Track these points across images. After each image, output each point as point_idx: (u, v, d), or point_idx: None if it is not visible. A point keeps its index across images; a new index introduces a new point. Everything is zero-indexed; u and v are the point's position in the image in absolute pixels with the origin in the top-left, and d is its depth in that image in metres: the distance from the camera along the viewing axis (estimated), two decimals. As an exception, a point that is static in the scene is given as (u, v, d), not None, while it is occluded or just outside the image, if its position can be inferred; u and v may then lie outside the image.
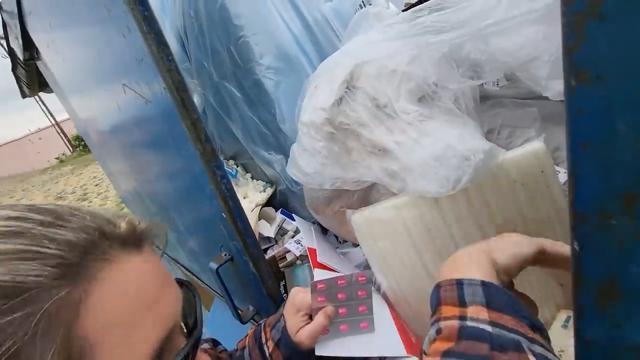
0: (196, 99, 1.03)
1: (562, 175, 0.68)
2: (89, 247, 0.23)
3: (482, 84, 0.75)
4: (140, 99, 0.57)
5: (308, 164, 0.59)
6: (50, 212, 0.24)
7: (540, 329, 0.30)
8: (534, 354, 0.26)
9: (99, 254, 0.23)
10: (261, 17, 0.86)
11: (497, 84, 0.77)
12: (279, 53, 0.86)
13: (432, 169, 0.51)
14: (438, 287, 0.34)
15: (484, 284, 0.31)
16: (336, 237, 0.90)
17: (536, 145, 0.57)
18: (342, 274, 0.56)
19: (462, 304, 0.30)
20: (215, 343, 0.59)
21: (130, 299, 0.23)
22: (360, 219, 0.61)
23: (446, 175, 0.50)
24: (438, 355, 0.28)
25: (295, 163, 0.62)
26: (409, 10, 0.65)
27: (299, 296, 0.56)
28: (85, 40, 0.74)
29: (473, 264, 0.34)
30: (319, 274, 0.67)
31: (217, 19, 0.85)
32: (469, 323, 0.29)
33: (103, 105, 0.88)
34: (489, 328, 0.28)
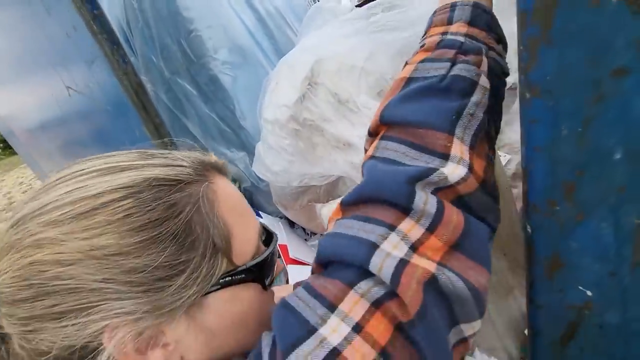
0: (146, 97, 0.97)
1: (503, 159, 0.77)
2: (201, 165, 0.31)
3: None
4: (91, 102, 0.53)
5: (274, 162, 0.60)
6: (160, 150, 0.33)
7: (504, 43, 0.36)
8: (487, 57, 0.32)
9: (205, 168, 0.31)
10: (212, 9, 0.83)
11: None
12: (233, 47, 0.84)
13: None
14: (434, 13, 0.38)
15: (475, 5, 0.34)
16: (304, 229, 0.92)
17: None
18: None
19: (449, 23, 0.35)
20: None
21: (236, 198, 0.32)
22: (329, 213, 0.64)
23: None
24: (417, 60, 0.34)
25: (262, 162, 0.62)
26: (363, 7, 0.67)
27: (278, 297, 0.57)
28: (11, 32, 0.66)
29: None
30: (293, 270, 0.69)
31: (165, 12, 0.81)
32: (448, 37, 0.34)
33: (38, 104, 0.80)
34: (461, 39, 0.33)
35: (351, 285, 0.25)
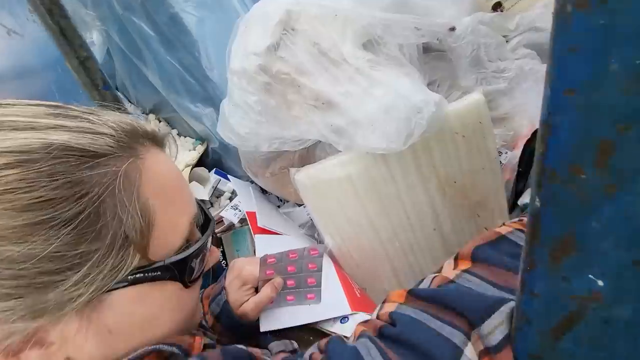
0: (95, 37, 0.83)
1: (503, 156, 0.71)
2: (131, 133, 0.27)
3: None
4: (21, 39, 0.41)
5: (240, 122, 0.51)
6: (82, 108, 0.27)
7: None
8: None
9: (138, 139, 0.27)
10: None
11: (438, 38, 0.75)
12: (198, -20, 0.70)
13: (383, 122, 0.47)
14: None
15: None
16: (277, 196, 0.85)
17: (476, 96, 0.56)
18: (294, 249, 0.53)
19: None
20: None
21: (170, 179, 0.28)
22: (304, 178, 0.57)
23: (397, 129, 0.46)
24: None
25: (227, 122, 0.53)
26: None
27: (246, 269, 0.52)
28: None
29: None
30: (261, 240, 0.63)
31: None
32: None
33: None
34: None
35: None
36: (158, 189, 0.27)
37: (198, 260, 0.30)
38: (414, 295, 0.32)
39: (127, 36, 0.78)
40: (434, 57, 0.72)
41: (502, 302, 0.29)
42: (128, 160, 0.25)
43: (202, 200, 0.83)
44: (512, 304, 0.29)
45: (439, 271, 0.39)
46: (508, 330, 0.28)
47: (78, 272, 0.22)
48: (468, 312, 0.29)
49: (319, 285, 0.53)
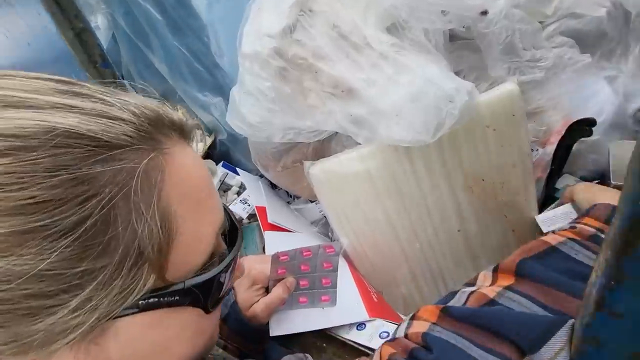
0: (100, 21, 0.79)
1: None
2: (155, 122, 0.22)
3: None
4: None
5: (252, 111, 0.47)
6: (97, 86, 0.22)
7: None
8: None
9: (163, 129, 0.22)
10: None
11: (463, 26, 0.70)
12: (209, -40, 0.66)
13: (409, 112, 0.43)
14: (594, 205, 0.37)
15: None
16: (287, 192, 0.81)
17: (509, 86, 0.52)
18: (308, 246, 0.49)
19: (607, 222, 0.34)
20: None
21: (195, 179, 0.24)
22: (319, 173, 0.53)
23: (426, 119, 0.42)
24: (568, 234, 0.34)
25: (237, 111, 0.49)
26: None
27: (256, 267, 0.48)
28: None
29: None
30: (271, 238, 0.59)
31: None
32: (602, 235, 0.33)
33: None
34: None
35: None
36: (183, 193, 0.22)
37: (224, 279, 0.25)
38: (449, 314, 0.28)
39: (134, 20, 0.74)
40: (459, 46, 0.67)
41: (560, 323, 0.25)
42: (150, 155, 0.21)
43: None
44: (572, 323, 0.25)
45: (472, 282, 0.35)
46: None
47: (78, 295, 0.18)
48: (518, 338, 0.25)
49: (334, 286, 0.50)
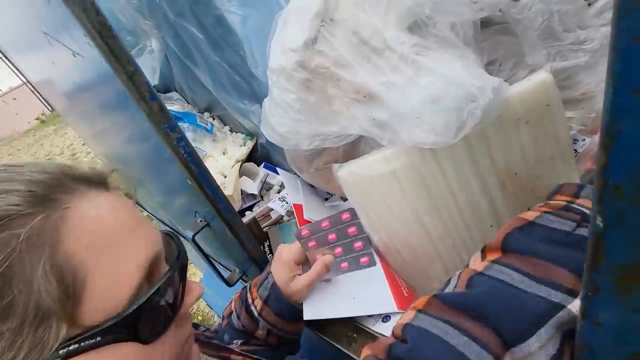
0: (154, 44, 0.89)
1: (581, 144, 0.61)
2: (54, 183, 0.24)
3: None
4: (66, 51, 0.46)
5: (280, 122, 0.51)
6: (4, 163, 0.25)
7: None
8: None
9: (64, 188, 0.24)
10: None
11: (500, 10, 0.66)
12: (241, -21, 0.71)
13: (429, 114, 0.43)
14: (560, 186, 0.38)
15: None
16: (325, 189, 0.84)
17: (542, 75, 0.49)
18: (323, 218, 0.54)
19: (575, 196, 0.35)
20: (195, 326, 0.56)
21: (108, 224, 0.25)
22: (346, 175, 0.55)
23: (446, 121, 0.42)
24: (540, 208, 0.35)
25: (267, 121, 0.53)
26: None
27: (284, 251, 0.54)
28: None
29: None
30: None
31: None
32: (573, 205, 0.34)
33: (43, 63, 0.75)
34: (587, 211, 0.33)
35: None
36: (90, 241, 0.23)
37: (162, 306, 0.25)
38: (438, 299, 0.28)
39: (180, 41, 0.82)
40: (494, 32, 0.63)
41: (549, 314, 0.24)
42: (39, 217, 0.22)
43: (252, 195, 0.85)
44: (562, 315, 0.24)
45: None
46: (556, 350, 0.23)
47: None
48: (504, 327, 0.25)
49: (367, 247, 0.54)
